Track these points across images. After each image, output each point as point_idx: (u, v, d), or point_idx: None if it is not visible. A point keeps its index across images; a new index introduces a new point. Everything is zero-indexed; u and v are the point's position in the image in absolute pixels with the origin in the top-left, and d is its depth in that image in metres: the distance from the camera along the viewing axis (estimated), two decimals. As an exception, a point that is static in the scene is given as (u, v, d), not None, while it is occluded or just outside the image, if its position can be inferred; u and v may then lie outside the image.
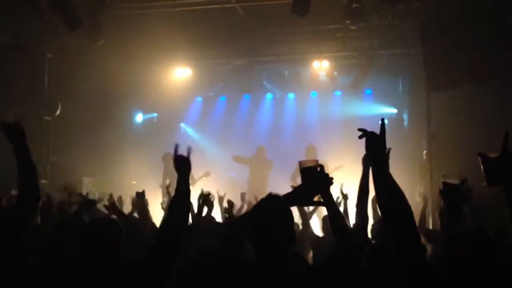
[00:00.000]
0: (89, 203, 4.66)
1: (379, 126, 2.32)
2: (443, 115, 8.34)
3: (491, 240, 2.26)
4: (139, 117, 11.80)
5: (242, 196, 6.45)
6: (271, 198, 2.37)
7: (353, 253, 2.51)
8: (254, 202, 5.89)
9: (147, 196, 5.65)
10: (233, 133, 11.54)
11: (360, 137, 2.31)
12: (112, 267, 2.54)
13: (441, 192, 2.96)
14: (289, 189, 2.59)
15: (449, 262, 2.23)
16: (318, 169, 2.57)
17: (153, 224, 5.07)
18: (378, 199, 2.26)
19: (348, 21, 8.32)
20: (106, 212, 5.07)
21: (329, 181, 2.57)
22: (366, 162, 3.48)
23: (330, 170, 7.11)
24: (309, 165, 2.60)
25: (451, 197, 2.93)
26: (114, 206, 5.07)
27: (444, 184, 3.10)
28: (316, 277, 2.29)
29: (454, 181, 3.16)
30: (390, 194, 2.22)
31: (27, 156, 2.70)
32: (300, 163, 2.63)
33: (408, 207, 2.20)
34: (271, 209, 2.32)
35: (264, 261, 2.26)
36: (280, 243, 2.27)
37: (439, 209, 4.43)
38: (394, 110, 10.86)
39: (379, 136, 2.27)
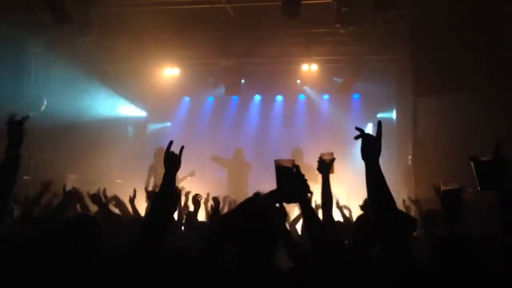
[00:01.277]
0: (69, 198, 4.61)
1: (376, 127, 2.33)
2: (429, 121, 8.40)
3: (474, 245, 2.28)
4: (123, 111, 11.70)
5: (224, 198, 6.40)
6: (258, 197, 2.35)
7: (329, 255, 2.51)
8: (233, 205, 5.87)
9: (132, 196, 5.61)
10: (221, 134, 11.52)
11: (356, 138, 2.31)
12: (91, 262, 2.49)
13: (440, 196, 2.98)
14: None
15: (434, 265, 2.24)
16: (294, 170, 2.56)
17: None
18: (369, 199, 2.27)
19: (338, 25, 8.35)
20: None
21: (305, 182, 2.56)
22: (323, 169, 3.53)
23: (316, 173, 7.13)
24: (285, 165, 2.58)
25: (450, 201, 2.95)
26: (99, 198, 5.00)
27: (444, 189, 3.12)
28: (291, 278, 2.27)
29: (453, 187, 3.19)
30: (382, 195, 2.24)
31: (16, 156, 2.69)
32: (276, 162, 2.62)
33: (397, 208, 2.24)
34: (258, 208, 2.29)
35: (247, 260, 2.24)
36: (265, 243, 2.24)
37: (422, 213, 4.46)
38: (382, 115, 10.91)
39: (376, 137, 2.28)
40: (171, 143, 2.65)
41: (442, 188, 3.20)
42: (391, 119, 10.67)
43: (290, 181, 2.53)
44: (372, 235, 3.50)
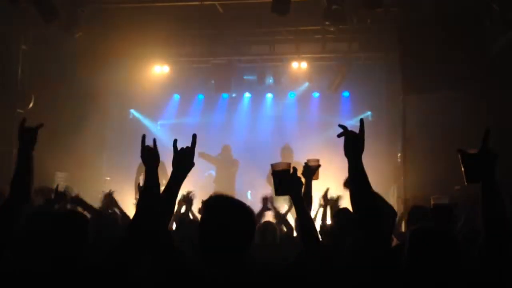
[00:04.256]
0: (59, 196, 4.56)
1: (359, 126, 2.34)
2: (418, 118, 8.46)
3: (454, 237, 2.27)
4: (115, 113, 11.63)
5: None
6: (217, 198, 2.27)
7: (321, 256, 2.51)
8: None
9: (121, 193, 5.57)
10: (211, 132, 11.48)
11: (339, 136, 2.32)
12: (76, 261, 2.43)
13: (431, 211, 3.03)
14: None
15: (412, 257, 2.24)
16: (291, 171, 2.58)
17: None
18: (351, 196, 2.28)
19: (327, 23, 8.37)
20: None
21: (301, 184, 2.58)
22: (307, 174, 3.55)
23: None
24: (281, 168, 2.61)
25: (440, 216, 2.99)
26: (81, 200, 4.94)
27: (435, 203, 3.16)
28: (278, 281, 2.22)
29: (443, 201, 3.22)
30: (364, 193, 2.25)
31: (29, 160, 2.69)
32: (273, 166, 2.65)
33: (379, 206, 2.25)
34: (217, 209, 2.22)
35: (212, 264, 2.15)
36: (229, 245, 2.15)
37: (407, 210, 4.51)
38: (370, 112, 10.95)
39: (358, 135, 2.30)
40: (144, 137, 2.56)
41: (433, 202, 3.24)
42: (380, 116, 10.72)
43: (287, 182, 2.56)
44: (349, 229, 3.56)
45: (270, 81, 11.05)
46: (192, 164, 2.47)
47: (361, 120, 2.35)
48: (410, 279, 2.18)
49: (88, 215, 3.67)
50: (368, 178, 2.26)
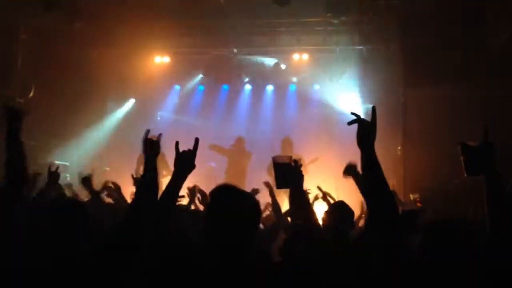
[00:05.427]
0: (53, 177, 4.55)
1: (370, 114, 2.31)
2: (418, 112, 8.44)
3: (471, 231, 2.26)
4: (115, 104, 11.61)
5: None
6: (225, 188, 2.24)
7: (323, 248, 2.50)
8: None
9: (121, 184, 5.58)
10: (211, 123, 11.47)
11: (350, 123, 2.27)
12: (75, 249, 2.43)
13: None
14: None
15: (428, 249, 2.22)
16: (292, 164, 2.58)
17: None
18: (365, 184, 2.28)
19: (329, 15, 8.34)
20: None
21: (302, 177, 2.58)
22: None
23: (305, 162, 7.14)
24: (283, 161, 2.61)
25: (406, 221, 3.03)
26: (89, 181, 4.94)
27: (403, 209, 3.21)
28: (281, 272, 2.19)
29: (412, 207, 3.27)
30: (377, 180, 2.21)
31: (18, 140, 2.70)
32: (274, 158, 2.64)
33: (392, 193, 2.23)
34: (224, 199, 2.18)
35: (220, 255, 2.11)
36: (235, 235, 2.11)
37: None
38: (370, 105, 10.91)
39: (371, 123, 2.25)
40: (148, 132, 2.62)
41: (401, 208, 3.26)
42: (380, 109, 10.67)
43: (289, 175, 2.55)
44: (347, 221, 3.56)
45: (273, 63, 10.92)
46: (193, 166, 2.53)
47: (373, 108, 2.30)
48: (424, 271, 2.16)
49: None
50: (381, 167, 2.22)
